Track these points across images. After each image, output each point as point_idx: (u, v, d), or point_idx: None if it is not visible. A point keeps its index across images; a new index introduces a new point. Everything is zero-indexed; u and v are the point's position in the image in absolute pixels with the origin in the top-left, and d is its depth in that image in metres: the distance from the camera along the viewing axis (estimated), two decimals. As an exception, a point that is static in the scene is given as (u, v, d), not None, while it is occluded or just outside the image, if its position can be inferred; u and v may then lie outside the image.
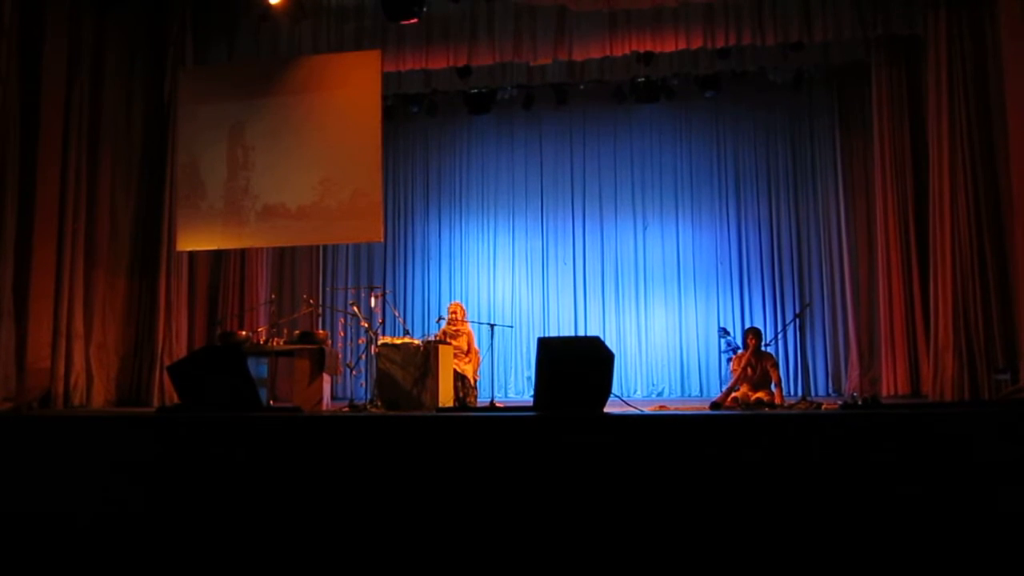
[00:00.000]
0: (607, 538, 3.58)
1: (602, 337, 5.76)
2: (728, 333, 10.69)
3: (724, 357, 10.51)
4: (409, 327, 10.36)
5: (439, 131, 12.03)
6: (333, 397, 9.35)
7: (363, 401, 7.67)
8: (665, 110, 11.37)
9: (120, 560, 3.85)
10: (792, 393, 10.30)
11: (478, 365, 8.16)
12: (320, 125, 8.89)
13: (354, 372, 8.77)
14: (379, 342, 7.63)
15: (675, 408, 7.44)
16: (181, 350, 9.02)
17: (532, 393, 5.34)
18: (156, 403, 8.52)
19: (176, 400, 6.02)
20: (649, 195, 11.57)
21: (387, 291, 10.74)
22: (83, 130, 8.34)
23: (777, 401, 7.10)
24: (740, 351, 7.58)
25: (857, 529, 3.49)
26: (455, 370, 7.72)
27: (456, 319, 8.07)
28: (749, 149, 11.39)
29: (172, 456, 4.05)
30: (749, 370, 7.25)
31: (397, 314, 10.10)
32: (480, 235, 11.93)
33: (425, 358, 7.27)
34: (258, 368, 7.96)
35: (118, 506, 3.95)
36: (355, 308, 8.29)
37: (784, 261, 11.15)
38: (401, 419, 4.72)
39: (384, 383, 7.38)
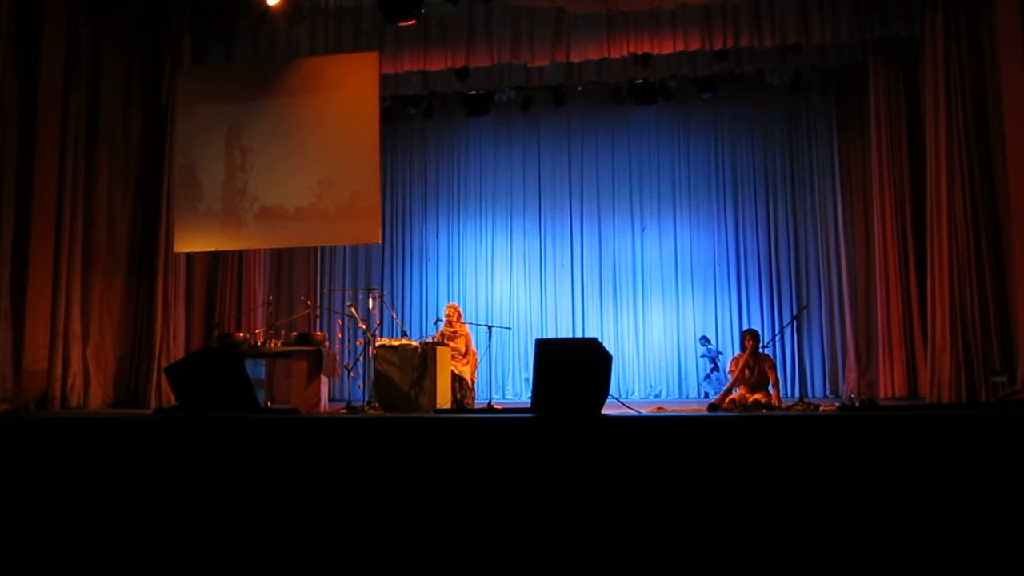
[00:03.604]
0: (605, 539, 3.58)
1: (600, 339, 5.75)
2: (709, 341, 10.86)
3: (704, 362, 10.71)
4: (407, 328, 10.36)
5: (437, 133, 12.04)
6: (331, 399, 9.33)
7: (361, 403, 7.66)
8: (663, 112, 11.38)
9: (119, 560, 3.85)
10: (789, 395, 10.30)
11: (476, 367, 8.15)
12: (318, 127, 8.88)
13: (352, 374, 8.77)
14: (377, 344, 7.62)
15: (673, 410, 7.43)
16: (179, 351, 9.00)
17: (530, 395, 5.34)
18: (153, 405, 8.49)
19: (173, 402, 6.00)
20: (647, 197, 11.59)
21: (385, 292, 10.73)
22: (80, 131, 8.32)
23: (774, 403, 7.10)
24: (719, 356, 7.57)
25: (855, 530, 3.49)
26: (453, 372, 7.71)
27: (452, 320, 8.06)
28: (747, 151, 11.41)
29: (169, 458, 4.04)
30: (747, 371, 7.25)
31: (395, 316, 10.10)
32: (478, 236, 11.94)
33: (423, 360, 7.26)
34: (255, 370, 7.95)
35: (116, 508, 3.94)
36: (353, 309, 8.28)
37: (782, 263, 11.17)
38: (399, 421, 4.72)
39: (382, 385, 7.37)
